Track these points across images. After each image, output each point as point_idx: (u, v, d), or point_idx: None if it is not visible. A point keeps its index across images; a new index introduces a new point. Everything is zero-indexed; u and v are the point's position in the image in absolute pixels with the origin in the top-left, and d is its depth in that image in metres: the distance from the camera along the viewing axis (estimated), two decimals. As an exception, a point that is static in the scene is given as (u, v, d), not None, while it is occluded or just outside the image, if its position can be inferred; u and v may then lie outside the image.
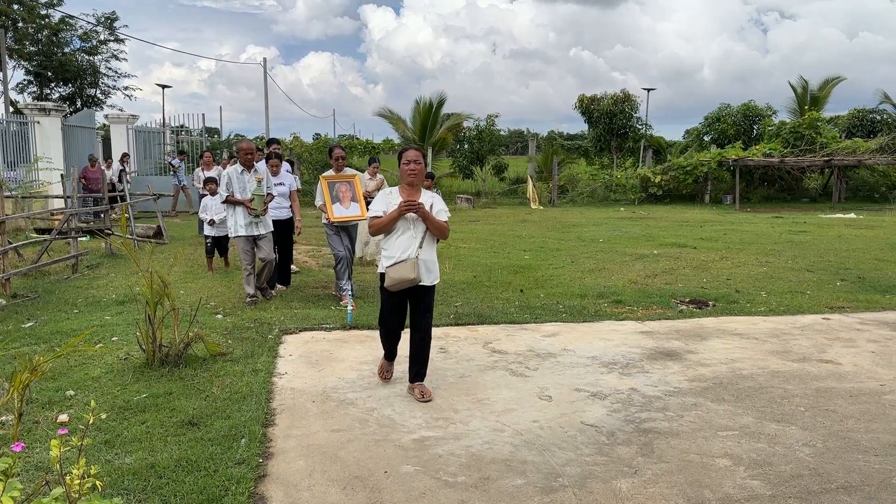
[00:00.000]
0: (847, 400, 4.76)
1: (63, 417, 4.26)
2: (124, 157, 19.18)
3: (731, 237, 14.05)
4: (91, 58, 32.93)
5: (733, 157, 23.42)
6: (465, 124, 27.46)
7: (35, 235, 11.86)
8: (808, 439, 4.10)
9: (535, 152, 29.50)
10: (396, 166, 5.06)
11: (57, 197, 12.45)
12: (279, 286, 8.41)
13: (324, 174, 7.93)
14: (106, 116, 23.74)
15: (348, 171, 8.04)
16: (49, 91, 31.88)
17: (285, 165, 8.98)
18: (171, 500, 3.29)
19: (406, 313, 4.84)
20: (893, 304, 7.79)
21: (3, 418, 4.26)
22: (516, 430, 4.24)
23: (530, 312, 7.33)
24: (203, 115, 22.96)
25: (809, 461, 3.81)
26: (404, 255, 4.60)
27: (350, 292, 7.21)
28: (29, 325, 6.69)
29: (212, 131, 30.47)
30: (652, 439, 4.10)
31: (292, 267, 8.70)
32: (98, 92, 33.81)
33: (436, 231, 4.71)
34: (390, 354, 5.06)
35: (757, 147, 24.60)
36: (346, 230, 7.86)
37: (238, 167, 7.57)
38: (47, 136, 17.28)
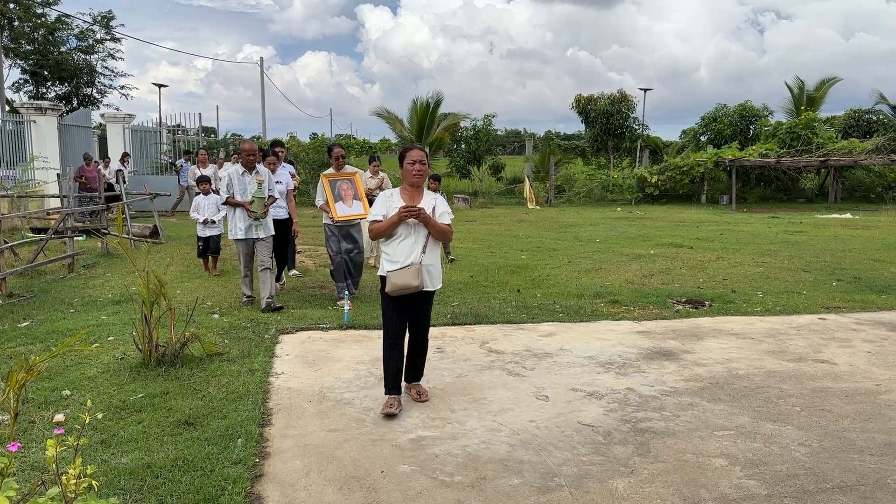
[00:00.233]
0: (843, 400, 4.77)
1: (59, 417, 4.28)
2: (125, 157, 19.17)
3: (728, 237, 14.08)
4: (87, 57, 32.86)
5: (730, 157, 23.47)
6: (462, 124, 27.46)
7: (31, 235, 11.84)
8: (803, 439, 4.11)
9: (532, 152, 29.51)
10: (394, 166, 5.01)
11: (53, 196, 12.42)
12: (292, 272, 8.33)
13: (324, 172, 7.81)
14: (102, 116, 23.73)
15: (349, 168, 7.90)
16: (45, 90, 31.81)
17: (289, 167, 8.84)
18: (168, 500, 3.29)
19: (408, 317, 4.65)
20: (889, 305, 7.81)
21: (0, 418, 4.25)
22: (513, 429, 4.25)
23: (527, 312, 7.34)
24: (200, 114, 22.97)
25: (805, 461, 3.82)
26: (407, 260, 4.44)
27: (348, 293, 7.19)
28: (25, 324, 6.68)
29: (208, 130, 30.45)
30: (648, 439, 4.10)
31: (294, 272, 8.55)
32: (94, 91, 33.75)
33: (438, 235, 4.55)
34: (395, 383, 4.59)
35: (753, 147, 24.66)
36: (348, 229, 7.69)
37: (239, 168, 7.42)
38: (43, 135, 17.23)
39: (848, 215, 19.47)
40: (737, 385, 5.07)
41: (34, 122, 17.16)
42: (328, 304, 7.69)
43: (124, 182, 14.98)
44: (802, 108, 27.07)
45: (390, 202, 4.54)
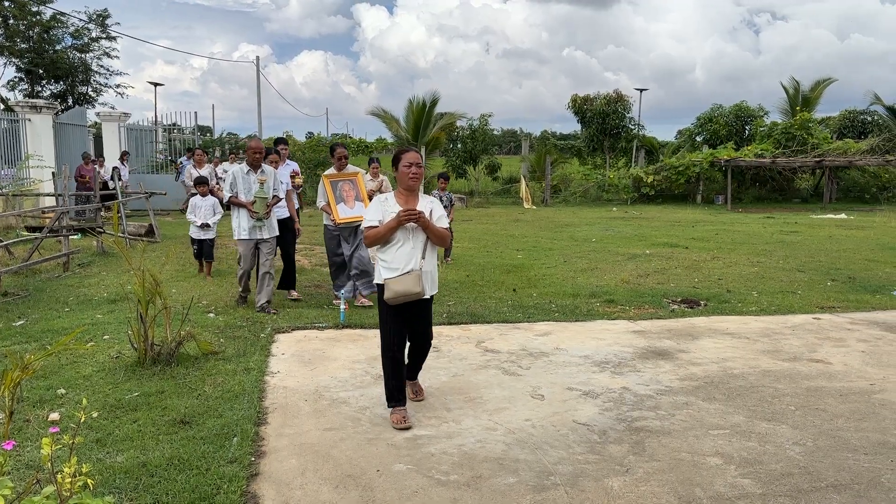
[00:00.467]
0: (837, 399, 4.79)
1: (54, 416, 4.28)
2: (124, 156, 19.15)
3: (723, 237, 14.11)
4: (83, 55, 32.73)
5: (725, 157, 23.52)
6: (459, 124, 27.47)
7: (26, 233, 11.81)
8: (798, 438, 4.12)
9: (528, 152, 29.59)
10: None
11: (48, 195, 12.39)
12: (292, 293, 7.95)
13: (325, 173, 7.65)
14: (97, 114, 23.64)
15: (351, 168, 7.71)
16: (40, 88, 31.68)
17: (293, 165, 8.67)
18: (163, 499, 3.29)
19: (407, 326, 4.47)
20: (883, 304, 7.84)
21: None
22: (509, 428, 4.25)
23: (523, 312, 7.34)
24: (195, 113, 22.93)
25: (800, 460, 3.83)
26: (407, 266, 4.26)
27: (344, 294, 7.16)
28: (20, 323, 6.66)
29: (204, 129, 30.40)
30: (643, 438, 4.11)
31: (293, 293, 7.94)
32: (90, 89, 33.62)
33: (437, 240, 4.39)
34: (399, 395, 4.41)
35: (749, 147, 24.71)
36: (350, 231, 7.46)
37: (244, 167, 7.21)
38: (38, 133, 17.17)
39: (843, 216, 19.54)
40: (732, 384, 5.08)
41: (29, 120, 17.10)
42: (324, 303, 7.69)
43: (120, 180, 14.94)
44: (798, 108, 27.13)
45: (386, 207, 4.36)
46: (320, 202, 7.55)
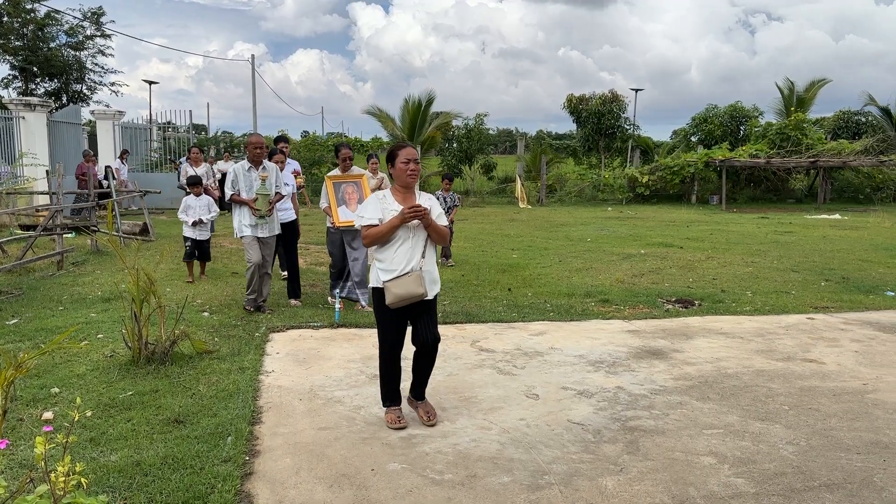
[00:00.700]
0: (830, 399, 4.81)
1: (48, 415, 4.27)
2: (124, 154, 19.11)
3: (718, 237, 14.15)
4: (77, 53, 32.66)
5: (720, 157, 23.59)
6: (454, 123, 27.52)
7: (20, 232, 11.77)
8: (791, 438, 4.14)
9: (524, 151, 29.61)
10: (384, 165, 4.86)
11: (42, 193, 12.34)
12: (292, 301, 7.64)
13: (329, 174, 7.50)
14: (92, 112, 23.56)
15: (356, 169, 7.51)
16: (34, 86, 31.58)
17: (293, 164, 8.52)
18: (157, 498, 3.28)
19: (405, 330, 4.31)
20: (877, 304, 7.87)
21: (-13, 416, 4.23)
22: (503, 427, 4.26)
23: (518, 311, 7.35)
24: (190, 111, 22.92)
25: (793, 459, 3.84)
26: (407, 266, 4.09)
27: (338, 294, 7.13)
28: (13, 321, 6.64)
29: (199, 128, 30.33)
30: (638, 437, 4.12)
31: (295, 301, 7.63)
32: (84, 88, 33.55)
33: (437, 238, 4.23)
34: (395, 396, 4.36)
35: (743, 148, 24.79)
36: (353, 235, 7.21)
37: (245, 163, 6.98)
38: (32, 131, 17.11)
39: (837, 216, 19.61)
40: (726, 384, 5.10)
41: (23, 118, 17.04)
42: (319, 302, 7.68)
43: (115, 178, 14.90)
44: (792, 109, 27.26)
45: (384, 204, 4.18)
46: (322, 203, 7.39)
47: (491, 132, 32.06)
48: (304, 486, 3.47)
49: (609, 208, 22.43)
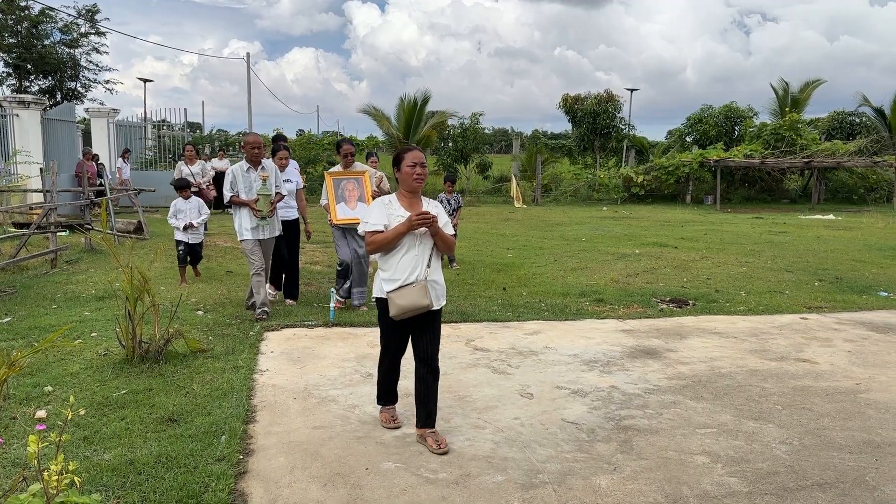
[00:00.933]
0: (823, 398, 4.83)
1: (41, 413, 4.25)
2: (126, 154, 19.06)
3: (712, 237, 14.18)
4: (71, 51, 32.50)
5: (715, 157, 23.65)
6: (450, 122, 27.50)
7: (13, 230, 11.71)
8: (784, 437, 4.16)
9: (519, 151, 29.59)
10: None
11: (36, 191, 12.30)
12: (288, 301, 7.60)
13: (330, 170, 7.38)
14: (86, 110, 23.46)
15: (358, 166, 7.36)
16: (28, 84, 31.44)
17: (293, 163, 8.31)
18: (151, 497, 3.27)
19: (408, 340, 4.15)
20: (870, 305, 7.91)
21: (-20, 414, 4.21)
22: (497, 427, 4.26)
23: (513, 310, 7.36)
24: (185, 109, 22.70)
25: (786, 458, 3.86)
26: (411, 276, 3.90)
27: (334, 294, 7.10)
28: (6, 320, 6.61)
29: (194, 126, 30.23)
30: (631, 436, 4.13)
31: (288, 301, 7.57)
32: (78, 85, 33.39)
33: (444, 247, 4.03)
34: (391, 395, 4.32)
35: (738, 148, 24.87)
36: (353, 232, 7.06)
37: (243, 164, 6.79)
38: (26, 129, 17.03)
39: (831, 216, 19.68)
40: (719, 383, 5.11)
41: (17, 115, 16.95)
42: (314, 301, 7.67)
43: (109, 177, 14.87)
44: (787, 109, 27.31)
45: (390, 210, 3.98)
46: (323, 200, 7.30)
47: (486, 131, 32.06)
48: (298, 485, 3.47)
49: (604, 208, 22.47)
